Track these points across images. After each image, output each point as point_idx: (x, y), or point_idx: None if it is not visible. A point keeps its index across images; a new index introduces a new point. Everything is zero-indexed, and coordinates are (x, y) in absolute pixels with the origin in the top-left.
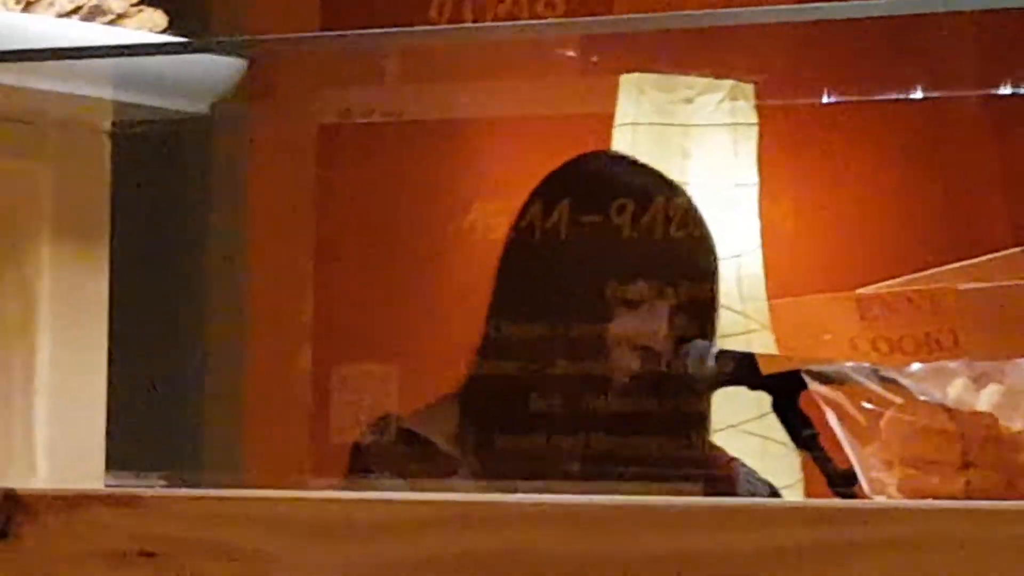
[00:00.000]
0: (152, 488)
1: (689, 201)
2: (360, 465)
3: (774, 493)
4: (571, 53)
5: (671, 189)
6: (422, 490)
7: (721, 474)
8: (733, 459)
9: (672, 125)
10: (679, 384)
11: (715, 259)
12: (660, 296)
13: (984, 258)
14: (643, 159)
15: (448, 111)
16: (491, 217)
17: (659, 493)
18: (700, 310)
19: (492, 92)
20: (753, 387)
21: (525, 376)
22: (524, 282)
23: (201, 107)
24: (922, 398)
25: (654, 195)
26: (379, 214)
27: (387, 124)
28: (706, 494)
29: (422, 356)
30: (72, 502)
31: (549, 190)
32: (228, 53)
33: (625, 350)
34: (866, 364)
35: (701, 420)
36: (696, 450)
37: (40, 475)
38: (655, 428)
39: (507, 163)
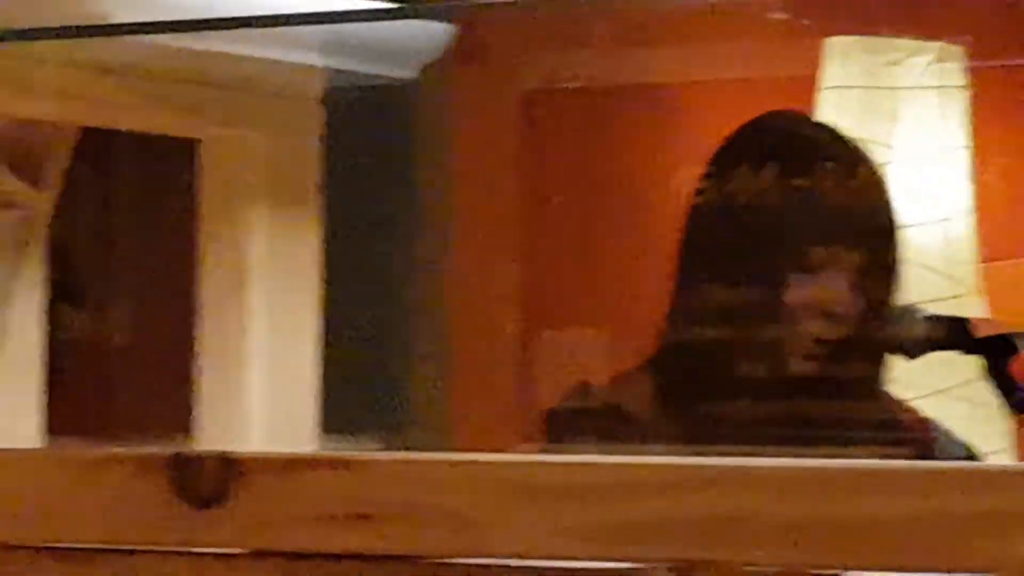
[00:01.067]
0: (365, 451)
1: (873, 161)
2: (556, 432)
3: (971, 454)
4: (778, 16)
5: (853, 149)
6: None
7: (916, 436)
8: (927, 420)
9: (879, 88)
10: (870, 348)
11: (898, 221)
12: (843, 259)
13: None
14: (850, 123)
15: (653, 75)
16: (696, 183)
17: (853, 456)
18: (885, 274)
19: (698, 55)
20: (966, 351)
21: (714, 342)
22: (705, 245)
23: (409, 73)
24: None
25: (838, 155)
26: (583, 179)
27: (592, 88)
28: (902, 456)
29: (624, 322)
30: (287, 465)
31: (730, 151)
32: (436, 19)
33: (811, 314)
34: None
35: (885, 383)
36: (890, 412)
37: (254, 438)
38: (847, 392)
39: (711, 127)
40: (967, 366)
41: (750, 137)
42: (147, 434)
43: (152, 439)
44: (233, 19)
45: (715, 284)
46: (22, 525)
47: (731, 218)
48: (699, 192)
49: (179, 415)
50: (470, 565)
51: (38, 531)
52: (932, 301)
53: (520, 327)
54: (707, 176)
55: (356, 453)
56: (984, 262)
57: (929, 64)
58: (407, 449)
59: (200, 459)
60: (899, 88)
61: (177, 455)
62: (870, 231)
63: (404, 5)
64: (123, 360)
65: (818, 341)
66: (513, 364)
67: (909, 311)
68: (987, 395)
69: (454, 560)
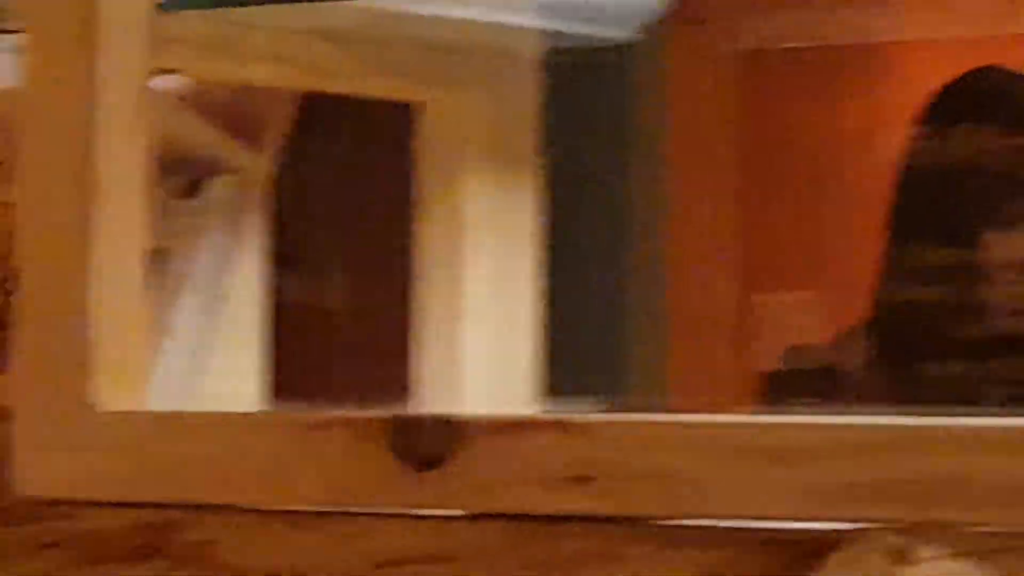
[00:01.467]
0: (585, 413)
1: None
2: (774, 393)
3: None
4: None
5: None
6: None
7: None
8: None
9: None
10: None
11: None
12: None
13: None
14: None
15: (870, 34)
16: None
17: None
18: None
19: (914, 12)
20: None
21: (928, 301)
22: (915, 203)
23: (628, 34)
24: None
25: None
26: (799, 140)
27: (810, 48)
28: None
29: (839, 283)
30: (507, 427)
31: (940, 107)
32: None
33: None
34: None
35: None
36: None
37: (473, 401)
38: None
39: (926, 86)
40: None
41: (961, 92)
42: (367, 397)
43: (372, 402)
44: None
45: (927, 243)
46: (247, 488)
47: (940, 175)
48: (910, 150)
49: (398, 378)
50: (691, 527)
51: (261, 494)
52: None
53: (737, 289)
54: (917, 133)
55: (576, 415)
56: None
57: None
58: (627, 411)
59: (420, 421)
60: None
61: (397, 418)
62: None
63: None
64: (342, 323)
65: None
66: (730, 326)
67: None
68: None
69: (675, 522)
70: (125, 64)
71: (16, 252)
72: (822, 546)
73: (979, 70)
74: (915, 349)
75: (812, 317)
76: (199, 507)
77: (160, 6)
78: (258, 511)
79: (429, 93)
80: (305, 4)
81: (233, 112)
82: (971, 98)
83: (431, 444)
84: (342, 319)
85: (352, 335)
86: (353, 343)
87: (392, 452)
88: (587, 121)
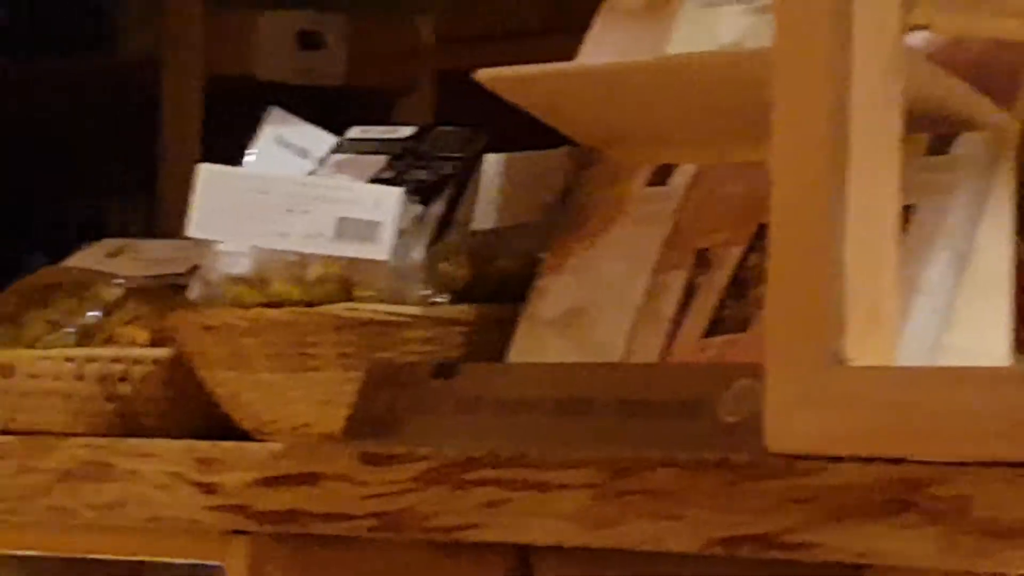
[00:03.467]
0: None
1: None
2: None
3: None
4: None
5: None
6: None
7: None
8: None
9: None
10: None
11: None
12: None
13: None
14: None
15: None
16: None
17: None
18: None
19: None
20: None
21: None
22: None
23: None
24: None
25: None
26: None
27: None
28: None
29: None
30: None
31: None
32: None
33: None
34: None
35: None
36: None
37: None
38: None
39: None
40: None
41: None
42: None
43: None
44: None
45: None
46: (997, 443)
47: None
48: None
49: None
50: None
51: (1013, 449)
52: None
53: None
54: None
55: None
56: None
57: None
58: None
59: None
60: None
61: None
62: None
63: None
64: None
65: None
66: None
67: None
68: None
69: None
70: (878, 21)
71: (768, 210)
72: None
73: None
74: None
75: None
76: (948, 463)
77: None
78: (1010, 465)
79: None
80: None
81: (984, 68)
82: None
83: None
84: None
85: None
86: None
87: None
88: None
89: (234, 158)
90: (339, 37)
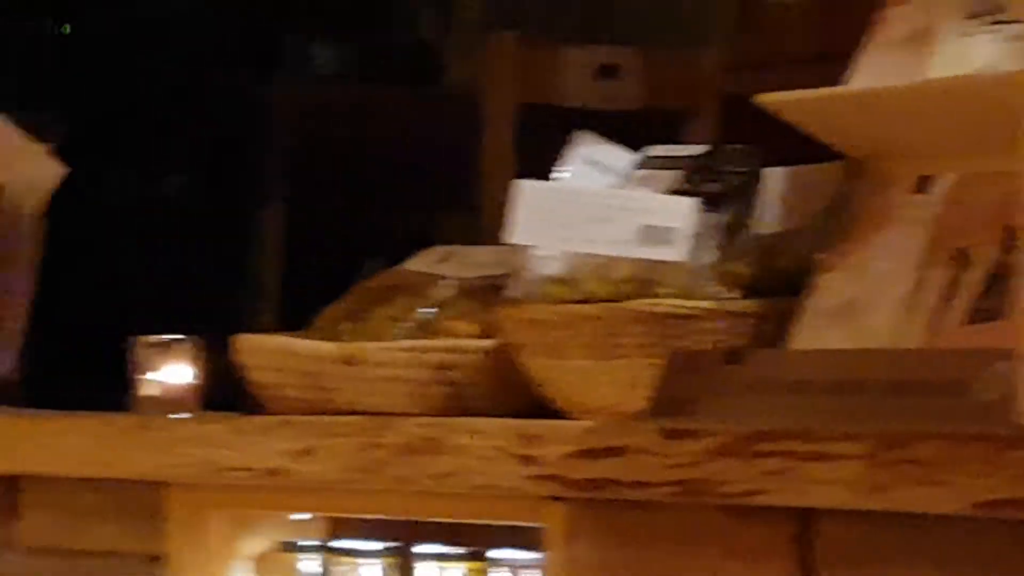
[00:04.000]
0: None
1: None
2: None
3: None
4: None
5: None
6: None
7: None
8: None
9: None
10: None
11: None
12: None
13: None
14: None
15: None
16: None
17: None
18: None
19: None
20: None
21: None
22: None
23: None
24: None
25: None
26: None
27: None
28: None
29: None
30: None
31: None
32: None
33: None
34: None
35: None
36: None
37: None
38: None
39: None
40: None
41: None
42: None
43: None
44: None
45: None
46: None
47: None
48: None
49: None
50: None
51: None
52: None
53: None
54: None
55: None
56: None
57: None
58: None
59: None
60: None
61: None
62: None
63: None
64: None
65: None
66: None
67: None
68: None
69: None
70: None
71: (1019, 213)
72: None
73: None
74: None
75: None
76: None
77: None
78: None
79: None
80: None
81: None
82: None
83: None
84: None
85: None
86: None
87: None
88: None
89: (544, 175)
90: (633, 68)
